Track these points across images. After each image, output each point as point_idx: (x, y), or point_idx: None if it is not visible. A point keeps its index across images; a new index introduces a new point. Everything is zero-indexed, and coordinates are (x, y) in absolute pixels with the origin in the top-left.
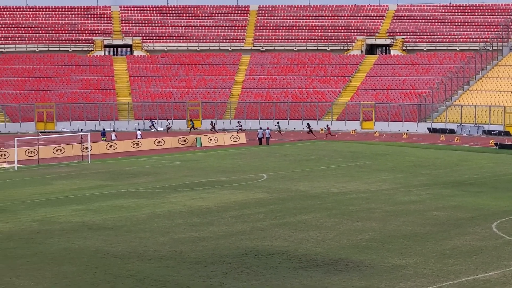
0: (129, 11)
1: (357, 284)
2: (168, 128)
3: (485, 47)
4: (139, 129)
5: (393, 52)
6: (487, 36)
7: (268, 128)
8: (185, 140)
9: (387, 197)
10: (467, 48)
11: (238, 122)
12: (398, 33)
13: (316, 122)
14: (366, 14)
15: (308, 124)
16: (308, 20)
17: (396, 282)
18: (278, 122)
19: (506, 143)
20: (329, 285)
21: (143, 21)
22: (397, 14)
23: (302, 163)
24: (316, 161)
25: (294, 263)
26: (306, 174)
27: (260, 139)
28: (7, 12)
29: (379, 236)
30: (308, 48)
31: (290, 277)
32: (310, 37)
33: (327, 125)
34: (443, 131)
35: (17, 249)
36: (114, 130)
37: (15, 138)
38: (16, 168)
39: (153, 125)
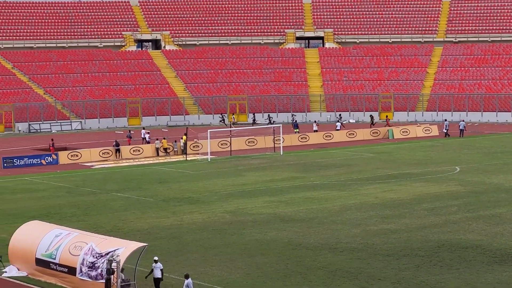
0: (320, 3)
1: None
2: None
3: None
4: (338, 121)
5: None
6: None
7: (462, 120)
8: (377, 132)
9: None
10: None
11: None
12: None
13: (377, 113)
14: None
15: (371, 116)
16: (502, 10)
17: None
18: (340, 114)
19: None
20: None
21: (334, 13)
22: None
23: (496, 156)
24: (510, 154)
25: (488, 257)
26: (500, 167)
27: (445, 132)
28: (201, 5)
29: None
30: (503, 38)
31: (484, 272)
32: (505, 27)
33: (387, 116)
34: None
35: (210, 239)
36: (316, 121)
37: (208, 130)
38: (209, 160)
39: (223, 119)
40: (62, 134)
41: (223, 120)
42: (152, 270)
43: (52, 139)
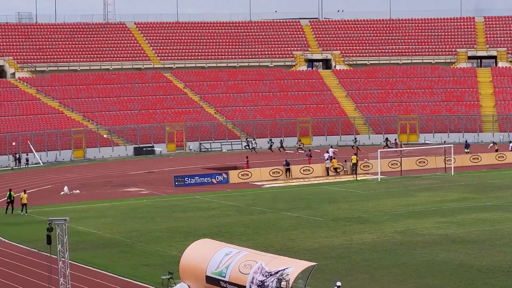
0: (493, 22)
1: None
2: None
3: None
4: (510, 141)
5: None
6: None
7: None
8: None
9: None
10: None
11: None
12: None
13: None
14: None
15: (386, 139)
16: None
17: None
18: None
19: None
20: None
21: (508, 31)
22: None
23: None
24: None
25: None
26: None
27: None
28: (371, 25)
29: None
30: None
31: None
32: None
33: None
34: None
35: (380, 259)
36: (494, 142)
37: (379, 150)
38: (379, 180)
39: (248, 145)
40: (232, 154)
41: (248, 145)
42: None
43: (247, 157)
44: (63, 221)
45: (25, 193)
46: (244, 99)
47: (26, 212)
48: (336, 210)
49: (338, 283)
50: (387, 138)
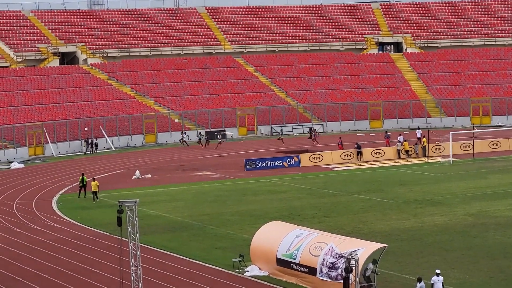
0: None
1: None
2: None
3: None
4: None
5: None
6: None
7: None
8: None
9: None
10: None
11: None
12: None
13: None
14: None
15: (310, 129)
16: None
17: None
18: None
19: None
20: None
21: None
22: None
23: None
24: None
25: None
26: None
27: None
28: (443, 7)
29: None
30: None
31: None
32: None
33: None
34: None
35: (452, 242)
36: None
37: (450, 132)
38: (451, 162)
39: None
40: (303, 137)
41: (183, 139)
42: (432, 285)
43: (340, 137)
44: (133, 203)
45: (94, 180)
46: (315, 83)
47: (96, 199)
48: (408, 192)
49: (438, 271)
50: (310, 128)
